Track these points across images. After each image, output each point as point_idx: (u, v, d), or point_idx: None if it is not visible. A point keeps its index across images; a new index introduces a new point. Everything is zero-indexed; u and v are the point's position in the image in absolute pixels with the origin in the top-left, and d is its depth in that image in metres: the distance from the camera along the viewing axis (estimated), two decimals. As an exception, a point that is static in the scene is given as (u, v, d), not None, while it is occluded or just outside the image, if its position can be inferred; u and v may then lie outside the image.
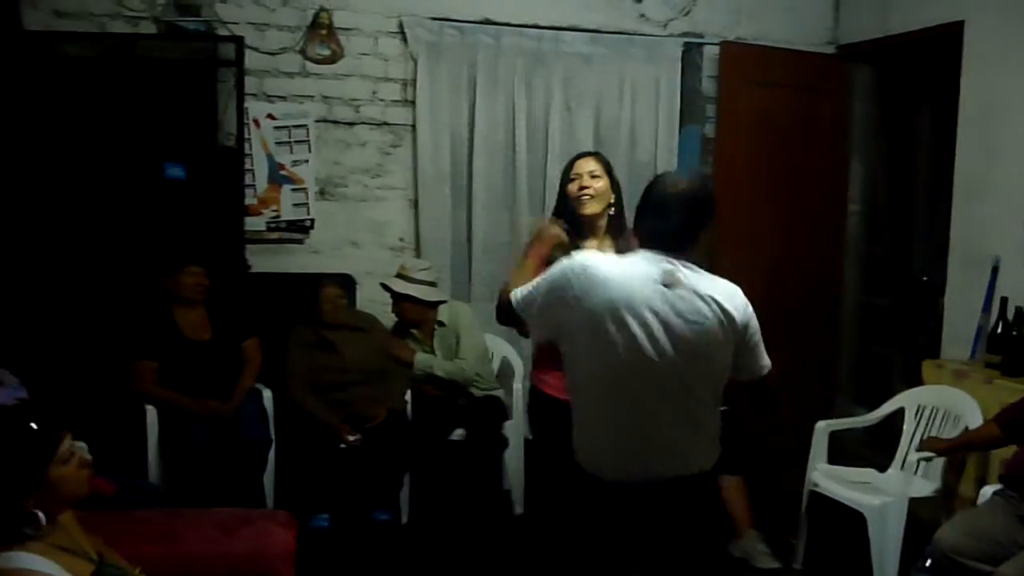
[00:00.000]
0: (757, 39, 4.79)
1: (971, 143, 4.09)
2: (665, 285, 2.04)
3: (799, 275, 4.83)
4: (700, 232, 2.12)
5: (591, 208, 2.83)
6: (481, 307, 4.46)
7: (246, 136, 4.17)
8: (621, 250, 2.88)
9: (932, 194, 5.44)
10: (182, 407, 3.63)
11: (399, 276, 4.03)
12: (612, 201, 2.87)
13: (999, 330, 3.64)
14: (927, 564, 2.90)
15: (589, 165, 2.87)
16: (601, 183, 2.85)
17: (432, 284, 4.06)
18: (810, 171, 4.86)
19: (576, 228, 2.84)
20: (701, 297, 2.05)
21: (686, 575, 2.19)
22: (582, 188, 2.83)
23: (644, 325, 2.02)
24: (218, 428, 3.63)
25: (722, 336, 2.06)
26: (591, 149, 4.53)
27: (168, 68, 4.02)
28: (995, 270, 3.84)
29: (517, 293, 2.21)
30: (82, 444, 2.00)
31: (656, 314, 2.02)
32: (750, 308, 2.11)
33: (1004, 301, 3.67)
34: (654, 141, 4.67)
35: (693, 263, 2.11)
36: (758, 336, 2.14)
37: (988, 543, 2.73)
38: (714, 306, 2.05)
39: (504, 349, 4.31)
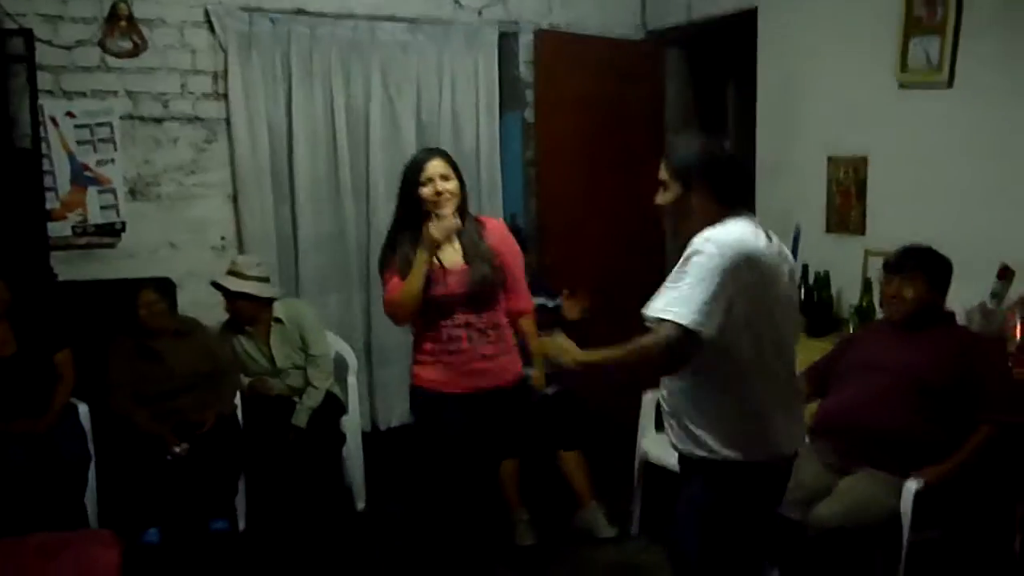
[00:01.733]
0: (570, 26, 4.91)
1: (769, 121, 4.36)
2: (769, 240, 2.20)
3: (624, 254, 4.99)
4: None
5: (447, 209, 2.86)
6: (312, 302, 4.39)
7: (43, 136, 3.89)
8: (467, 246, 2.94)
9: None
10: (-11, 428, 3.38)
11: (231, 274, 3.89)
12: (460, 200, 2.92)
13: (802, 295, 3.90)
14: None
15: (440, 167, 2.88)
16: (452, 183, 2.89)
17: (266, 280, 3.96)
18: (629, 152, 5.03)
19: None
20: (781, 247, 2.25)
21: None
22: (438, 192, 2.85)
23: (784, 284, 2.20)
24: (31, 448, 3.41)
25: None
26: (413, 138, 4.56)
27: (-51, 66, 3.71)
28: (796, 239, 4.11)
29: (686, 317, 2.03)
30: None
31: (788, 268, 2.23)
32: None
33: (805, 268, 3.94)
34: (476, 127, 4.71)
35: None
36: None
37: (800, 490, 2.90)
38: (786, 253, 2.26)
39: (336, 344, 4.24)
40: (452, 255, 2.95)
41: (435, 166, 2.88)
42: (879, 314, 3.52)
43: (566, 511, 3.86)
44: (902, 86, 3.62)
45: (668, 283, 2.10)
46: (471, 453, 2.98)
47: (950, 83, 3.42)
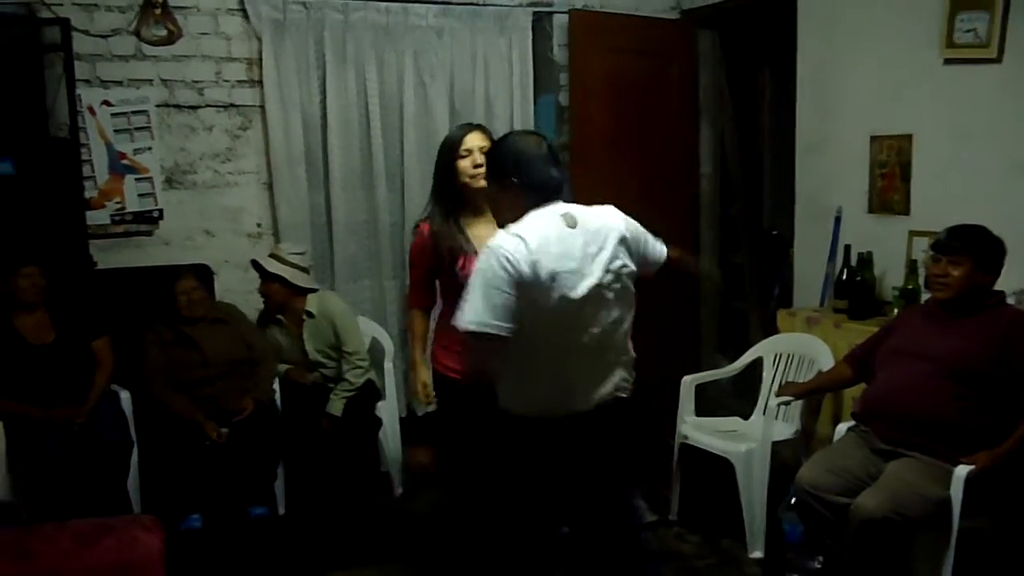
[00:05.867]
0: (603, 6, 4.86)
1: (809, 101, 4.27)
2: (570, 227, 2.28)
3: (659, 236, 4.93)
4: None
5: (483, 184, 2.72)
6: (345, 288, 4.40)
7: (81, 125, 3.92)
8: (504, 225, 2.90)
9: (777, 152, 5.68)
10: (30, 416, 3.42)
11: (272, 257, 3.91)
12: None
13: (844, 277, 3.83)
14: (792, 502, 3.04)
15: (480, 140, 2.79)
16: None
17: (305, 270, 3.96)
18: (662, 135, 4.98)
19: (460, 206, 2.81)
20: (599, 226, 2.33)
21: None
22: (476, 165, 2.75)
23: (575, 272, 2.25)
24: (73, 435, 3.44)
25: (626, 251, 2.35)
26: (446, 123, 4.52)
27: (-13, 55, 3.73)
28: (837, 220, 4.04)
29: (471, 321, 2.19)
30: None
31: (583, 257, 2.26)
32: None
33: (847, 249, 3.86)
34: (510, 111, 4.67)
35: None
36: (642, 230, 2.45)
37: (845, 477, 2.88)
38: (609, 226, 2.34)
39: (373, 329, 4.24)
40: (487, 235, 2.87)
41: (475, 138, 2.78)
42: (925, 296, 3.44)
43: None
44: (948, 62, 3.52)
45: None
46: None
47: (999, 58, 3.33)
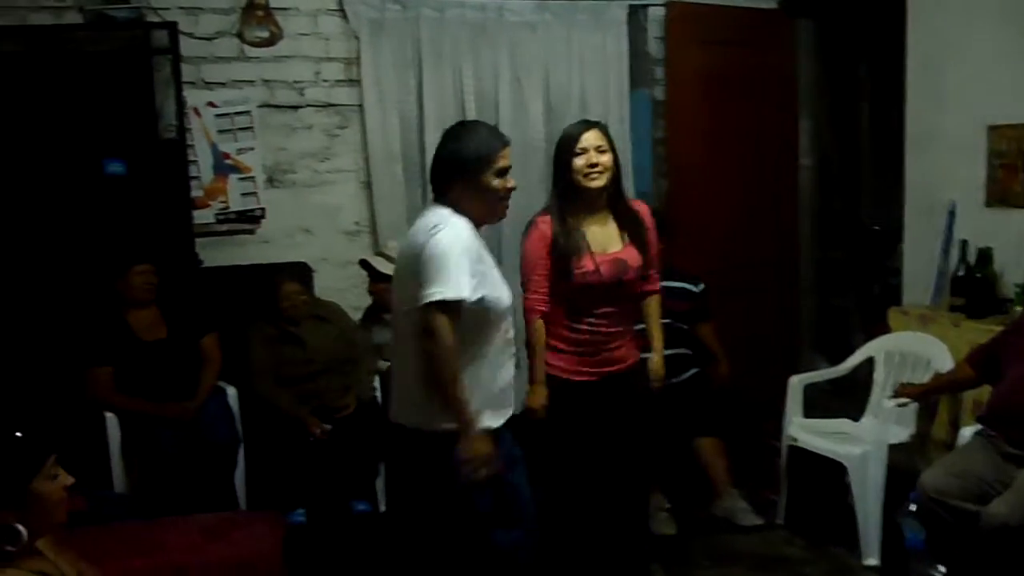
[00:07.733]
0: (700, -3, 4.76)
1: (919, 92, 4.11)
2: None
3: (756, 232, 4.84)
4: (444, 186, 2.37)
5: (599, 183, 2.79)
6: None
7: (187, 126, 4.00)
8: (622, 222, 2.87)
9: (877, 145, 5.51)
10: (144, 411, 3.50)
11: (380, 255, 3.94)
12: (613, 175, 2.83)
13: (961, 273, 3.69)
14: (912, 508, 2.93)
15: (597, 139, 2.80)
16: (607, 157, 2.80)
17: None
18: (760, 127, 4.87)
19: (575, 204, 2.82)
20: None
21: None
22: (592, 165, 2.77)
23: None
24: (183, 430, 3.51)
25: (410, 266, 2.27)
26: (541, 120, 4.50)
27: (100, 60, 3.83)
28: (951, 214, 3.88)
29: None
30: None
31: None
32: (439, 234, 2.24)
33: (964, 244, 3.71)
34: (605, 107, 4.60)
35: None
36: (428, 262, 2.22)
37: (973, 482, 2.77)
38: (414, 236, 2.31)
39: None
40: (606, 239, 2.85)
41: (591, 137, 2.80)
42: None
43: (705, 500, 3.76)
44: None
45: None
46: (600, 439, 2.91)
47: None
